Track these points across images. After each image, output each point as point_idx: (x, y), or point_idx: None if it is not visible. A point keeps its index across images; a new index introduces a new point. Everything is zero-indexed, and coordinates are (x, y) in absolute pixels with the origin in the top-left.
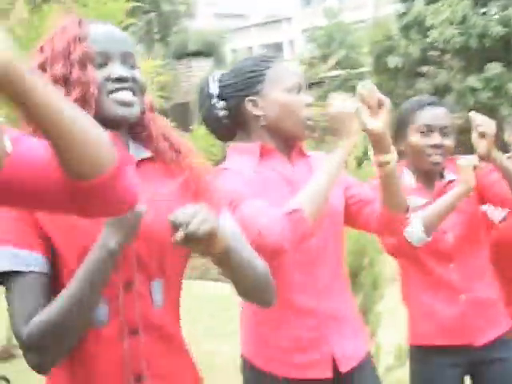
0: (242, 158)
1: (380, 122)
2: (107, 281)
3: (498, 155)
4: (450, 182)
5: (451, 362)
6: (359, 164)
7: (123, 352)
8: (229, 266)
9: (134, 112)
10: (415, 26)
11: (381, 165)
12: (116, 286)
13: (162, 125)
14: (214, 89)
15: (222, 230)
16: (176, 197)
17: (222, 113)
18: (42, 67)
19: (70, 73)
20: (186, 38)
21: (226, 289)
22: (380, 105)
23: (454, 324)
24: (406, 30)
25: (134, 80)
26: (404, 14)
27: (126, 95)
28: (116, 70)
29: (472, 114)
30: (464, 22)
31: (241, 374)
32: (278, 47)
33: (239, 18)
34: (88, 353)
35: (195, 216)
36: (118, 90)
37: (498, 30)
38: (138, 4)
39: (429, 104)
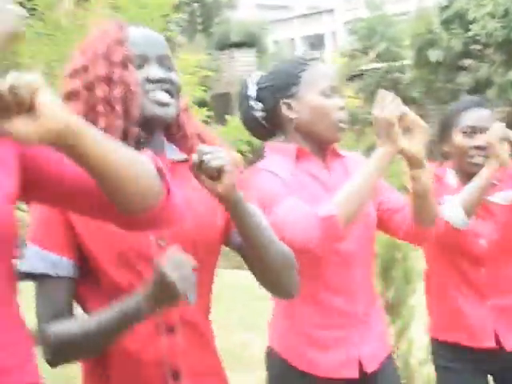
0: (278, 158)
1: (415, 143)
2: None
3: None
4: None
5: (475, 358)
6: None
7: (161, 349)
8: (243, 224)
9: (170, 112)
10: (457, 20)
11: (414, 179)
12: None
13: (196, 125)
14: (252, 90)
15: (232, 177)
16: (208, 198)
17: (259, 114)
18: (85, 68)
19: (113, 72)
20: (229, 28)
21: None
22: (415, 126)
23: (478, 327)
24: (447, 23)
25: (170, 82)
26: (446, 7)
27: (163, 96)
28: (154, 71)
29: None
30: (506, 15)
31: (265, 363)
32: (319, 39)
33: (281, 9)
34: (126, 350)
35: (215, 152)
36: (155, 90)
37: None
38: None
39: (474, 105)
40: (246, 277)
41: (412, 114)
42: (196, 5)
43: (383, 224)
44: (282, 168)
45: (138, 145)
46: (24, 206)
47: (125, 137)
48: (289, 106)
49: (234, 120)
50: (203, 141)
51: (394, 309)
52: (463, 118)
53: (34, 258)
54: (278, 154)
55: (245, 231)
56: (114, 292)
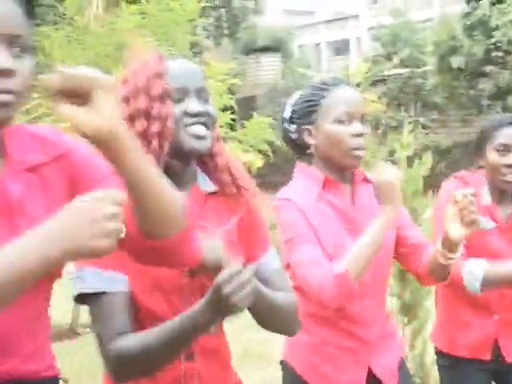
0: (305, 184)
1: (460, 231)
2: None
3: None
4: None
5: (479, 367)
6: (410, 162)
7: (179, 374)
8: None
9: (206, 145)
10: (479, 27)
11: (443, 256)
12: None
13: (227, 157)
14: (288, 112)
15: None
16: (234, 232)
17: (294, 136)
18: (126, 100)
19: (152, 107)
20: (255, 33)
21: None
22: (466, 214)
23: (484, 341)
24: (470, 30)
25: (207, 115)
26: (469, 13)
27: (200, 129)
28: (193, 105)
29: None
30: None
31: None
32: (344, 44)
33: (307, 14)
34: None
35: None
36: (193, 124)
37: None
38: (209, 3)
39: (507, 124)
40: None
41: (468, 203)
42: (223, 10)
43: (399, 258)
44: (305, 196)
45: (174, 176)
46: None
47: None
48: (309, 133)
49: (256, 120)
50: (232, 176)
51: (410, 310)
52: (497, 136)
53: (91, 277)
54: (306, 179)
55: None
56: (150, 320)
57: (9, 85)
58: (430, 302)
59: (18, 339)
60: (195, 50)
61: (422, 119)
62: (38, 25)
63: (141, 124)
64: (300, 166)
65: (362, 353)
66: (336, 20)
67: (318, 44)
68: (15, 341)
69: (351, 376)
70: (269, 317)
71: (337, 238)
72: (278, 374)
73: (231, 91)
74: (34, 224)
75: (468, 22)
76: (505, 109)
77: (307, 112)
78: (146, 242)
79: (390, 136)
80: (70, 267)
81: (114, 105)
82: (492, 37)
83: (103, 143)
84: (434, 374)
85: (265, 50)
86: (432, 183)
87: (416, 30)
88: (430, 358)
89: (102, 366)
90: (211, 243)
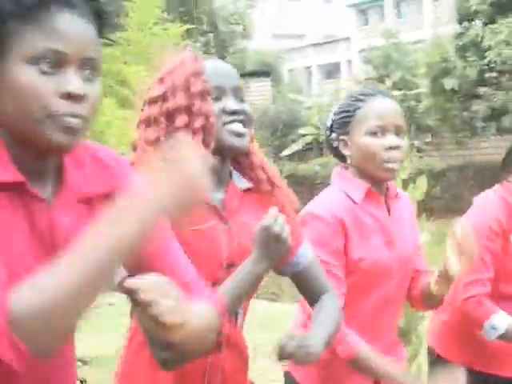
0: (347, 189)
1: (459, 267)
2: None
3: None
4: None
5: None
6: (405, 185)
7: (206, 365)
8: None
9: (245, 142)
10: (472, 47)
11: (438, 285)
12: None
13: (261, 156)
14: (329, 121)
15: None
16: None
17: (334, 144)
18: (164, 97)
19: (193, 104)
20: (244, 58)
21: (280, 307)
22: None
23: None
24: (462, 50)
25: (244, 113)
26: (461, 34)
27: (239, 127)
28: (230, 103)
29: None
30: None
31: None
32: (335, 67)
33: (297, 38)
34: None
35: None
36: (232, 121)
37: None
38: (196, 26)
39: None
40: (263, 306)
41: (468, 238)
42: (210, 35)
43: None
44: (340, 208)
45: (212, 173)
46: None
47: None
48: (345, 144)
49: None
50: (267, 174)
51: (404, 335)
52: None
53: None
54: (348, 186)
55: None
56: None
57: (78, 110)
58: (423, 327)
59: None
60: None
61: (416, 142)
62: None
63: (182, 120)
64: (340, 173)
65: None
66: (326, 43)
67: (308, 67)
68: None
69: None
70: None
71: (376, 253)
72: None
73: None
74: None
75: (460, 43)
76: (499, 130)
77: (343, 122)
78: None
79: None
80: None
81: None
82: (485, 57)
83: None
84: None
85: (254, 74)
86: (426, 207)
87: (408, 51)
88: (424, 382)
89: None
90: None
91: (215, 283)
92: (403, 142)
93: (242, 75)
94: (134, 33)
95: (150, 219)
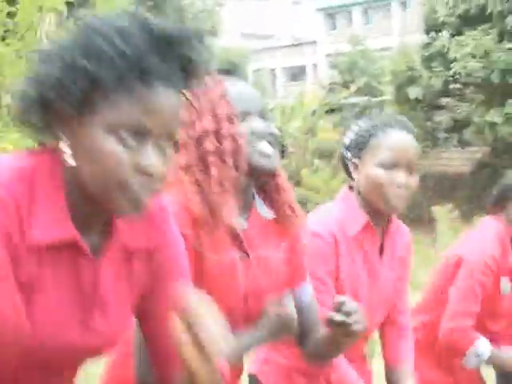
0: (348, 215)
1: None
2: None
3: None
4: None
5: None
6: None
7: None
8: None
9: (273, 163)
10: (438, 58)
11: None
12: None
13: (285, 178)
14: (347, 139)
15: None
16: (281, 258)
17: (348, 163)
18: (191, 122)
19: (220, 127)
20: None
21: None
22: None
23: None
24: (428, 61)
25: (271, 134)
26: (428, 44)
27: (267, 147)
28: (257, 124)
29: None
30: (487, 56)
31: None
32: (301, 70)
33: (265, 38)
34: None
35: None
36: (259, 142)
37: None
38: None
39: None
40: None
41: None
42: None
43: None
44: (344, 229)
45: (238, 194)
46: None
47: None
48: (355, 167)
49: None
50: (290, 196)
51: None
52: None
53: None
54: (349, 211)
55: None
56: None
57: (150, 184)
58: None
59: None
60: None
61: None
62: None
63: (212, 143)
64: (346, 196)
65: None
66: (293, 45)
67: (273, 69)
68: None
69: None
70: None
71: (355, 286)
72: None
73: None
74: (107, 313)
75: (426, 53)
76: (460, 142)
77: (357, 146)
78: None
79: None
80: None
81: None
82: (450, 69)
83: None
84: None
85: (218, 72)
86: None
87: (374, 58)
88: None
89: None
90: None
91: (230, 313)
92: (414, 180)
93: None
94: None
95: None
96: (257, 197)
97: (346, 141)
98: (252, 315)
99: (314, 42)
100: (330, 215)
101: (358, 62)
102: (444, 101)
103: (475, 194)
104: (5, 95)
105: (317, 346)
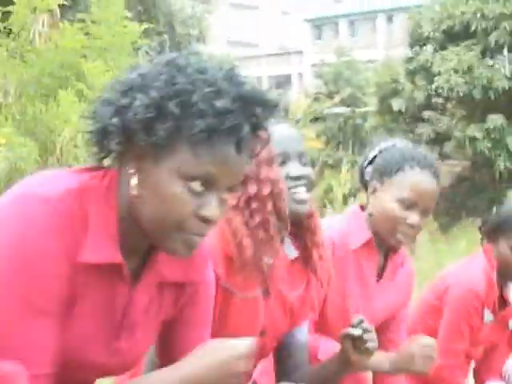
0: (354, 231)
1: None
2: None
3: None
4: None
5: None
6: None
7: None
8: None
9: (306, 208)
10: (422, 72)
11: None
12: None
13: (317, 221)
14: (372, 155)
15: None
16: (298, 297)
17: (366, 176)
18: None
19: (260, 172)
20: None
21: None
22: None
23: None
24: (412, 74)
25: (308, 177)
26: (411, 58)
27: (303, 194)
28: (295, 169)
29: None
30: (470, 72)
31: None
32: (287, 79)
33: (251, 46)
34: None
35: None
36: (296, 187)
37: (503, 83)
38: (153, 25)
39: None
40: None
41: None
42: (166, 36)
43: None
44: (342, 241)
45: None
46: None
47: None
48: (374, 190)
49: None
50: (317, 245)
51: None
52: None
53: None
54: (352, 227)
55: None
56: None
57: (206, 231)
58: None
59: None
60: None
61: (358, 158)
62: None
63: (252, 188)
64: (355, 213)
65: None
66: (279, 54)
67: (259, 77)
68: None
69: None
70: None
71: (344, 303)
72: None
73: None
74: (133, 336)
75: (410, 67)
76: (441, 155)
77: (381, 173)
78: None
79: (326, 174)
80: None
81: None
82: (433, 82)
83: None
84: None
85: None
86: None
87: (359, 70)
88: None
89: None
90: None
91: None
92: (426, 221)
93: None
94: (95, 28)
95: None
96: (286, 238)
97: (370, 156)
98: (266, 349)
99: (301, 52)
100: (334, 226)
101: (343, 72)
102: (426, 114)
103: (454, 206)
104: None
105: (308, 377)
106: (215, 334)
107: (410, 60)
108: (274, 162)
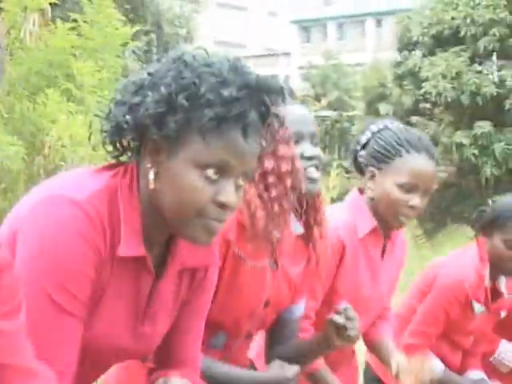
0: (357, 218)
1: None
2: None
3: None
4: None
5: None
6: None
7: None
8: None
9: (318, 187)
10: (410, 77)
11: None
12: (241, 334)
13: (322, 200)
14: (364, 139)
15: None
16: (300, 273)
17: (360, 159)
18: None
19: (277, 149)
20: None
21: None
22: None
23: None
24: (400, 79)
25: (319, 158)
26: (400, 63)
27: (314, 173)
28: (308, 148)
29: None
30: (458, 77)
31: None
32: None
33: (238, 47)
34: None
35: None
36: (309, 167)
37: (491, 89)
38: (141, 26)
39: None
40: None
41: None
42: (153, 35)
43: None
44: (346, 233)
45: None
46: None
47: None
48: (372, 175)
49: None
50: (321, 223)
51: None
52: (510, 229)
53: None
54: (357, 216)
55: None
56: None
57: (225, 216)
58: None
59: None
60: (124, 73)
61: (345, 163)
62: None
63: (269, 163)
64: (356, 199)
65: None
66: (266, 55)
67: None
68: None
69: None
70: None
71: (359, 289)
72: None
73: None
74: (155, 323)
75: (399, 71)
76: None
77: (379, 158)
78: None
79: None
80: None
81: None
82: (421, 88)
83: None
84: None
85: None
86: None
87: (347, 73)
88: None
89: None
90: None
91: (251, 315)
92: (425, 200)
93: None
94: (87, 28)
95: None
96: (292, 212)
97: (363, 140)
98: (267, 321)
99: (288, 54)
100: (338, 219)
101: (330, 75)
102: (413, 119)
103: (439, 212)
104: None
105: (292, 350)
106: (223, 300)
107: (398, 64)
108: (291, 140)
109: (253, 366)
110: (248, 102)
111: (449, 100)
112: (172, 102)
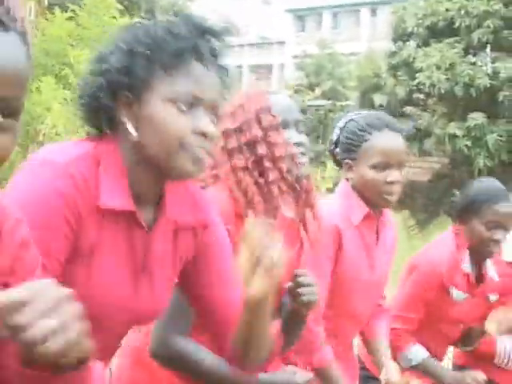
0: (349, 206)
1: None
2: None
3: None
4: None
5: None
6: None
7: None
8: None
9: (305, 172)
10: (404, 67)
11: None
12: None
13: (312, 183)
14: (335, 136)
15: None
16: (292, 257)
17: (338, 157)
18: (239, 129)
19: (268, 135)
20: None
21: None
22: None
23: None
24: (394, 69)
25: (304, 145)
26: (394, 53)
27: (302, 158)
28: (294, 135)
29: None
30: (452, 68)
31: None
32: (268, 69)
33: (232, 35)
34: None
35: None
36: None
37: (485, 81)
38: (135, 13)
39: (502, 199)
40: None
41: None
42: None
43: None
44: (347, 220)
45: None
46: None
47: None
48: (349, 167)
49: None
50: (314, 208)
51: None
52: (489, 211)
53: None
54: (349, 205)
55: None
56: None
57: (207, 145)
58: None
59: None
60: None
61: None
62: None
63: (263, 148)
64: (346, 190)
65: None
66: (261, 44)
67: (239, 66)
68: None
69: None
70: None
71: (357, 273)
72: None
73: None
74: (152, 281)
75: (393, 62)
76: (420, 152)
77: (349, 149)
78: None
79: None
80: None
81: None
82: (415, 78)
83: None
84: None
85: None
86: None
87: (341, 62)
88: None
89: None
90: None
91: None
92: (404, 172)
93: None
94: (85, 18)
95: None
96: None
97: (334, 138)
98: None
99: (283, 43)
100: (332, 210)
101: (325, 65)
102: (407, 109)
103: (432, 203)
104: None
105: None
106: None
107: (392, 54)
108: (280, 127)
109: None
110: (199, 37)
111: (442, 91)
112: (133, 53)
